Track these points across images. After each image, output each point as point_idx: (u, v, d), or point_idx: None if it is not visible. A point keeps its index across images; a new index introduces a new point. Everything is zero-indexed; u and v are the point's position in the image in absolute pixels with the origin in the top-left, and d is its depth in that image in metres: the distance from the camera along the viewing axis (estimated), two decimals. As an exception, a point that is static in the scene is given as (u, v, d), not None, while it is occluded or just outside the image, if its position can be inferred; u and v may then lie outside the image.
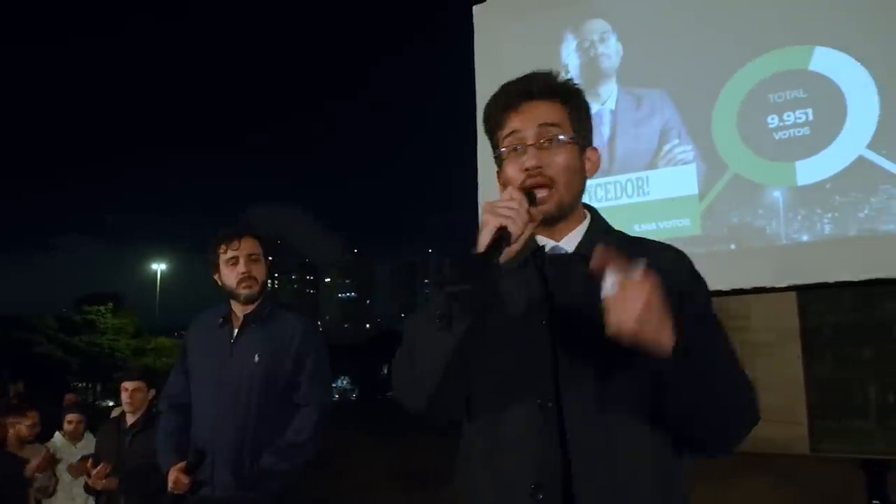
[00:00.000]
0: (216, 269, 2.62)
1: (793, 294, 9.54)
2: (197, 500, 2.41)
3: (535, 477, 1.15)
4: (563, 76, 1.32)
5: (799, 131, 4.30)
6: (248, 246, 2.58)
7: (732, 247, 4.66)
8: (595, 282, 1.10)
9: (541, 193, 1.22)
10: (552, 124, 1.25)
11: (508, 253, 1.14)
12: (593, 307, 1.12)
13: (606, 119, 5.26)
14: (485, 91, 6.53)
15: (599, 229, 1.32)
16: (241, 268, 2.53)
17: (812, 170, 4.27)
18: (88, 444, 4.55)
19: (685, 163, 4.94)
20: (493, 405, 1.22)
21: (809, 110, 4.27)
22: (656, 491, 1.17)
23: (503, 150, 1.28)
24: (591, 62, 5.34)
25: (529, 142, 1.25)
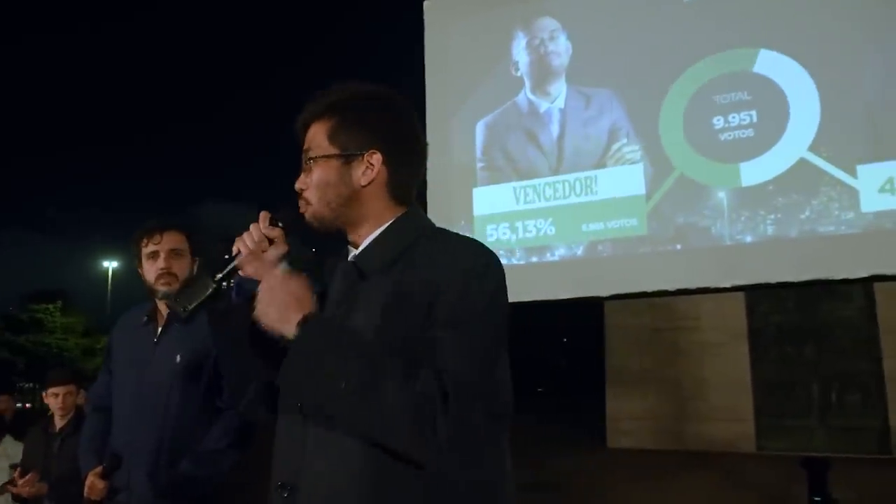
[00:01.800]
0: (139, 263, 2.50)
1: (741, 295, 9.73)
2: (113, 508, 2.29)
3: (283, 476, 1.25)
4: (338, 91, 1.38)
5: (743, 133, 4.34)
6: (170, 240, 2.45)
7: (678, 247, 4.67)
8: (355, 286, 1.28)
9: (305, 210, 1.35)
10: (306, 148, 1.36)
11: (242, 265, 1.33)
12: (348, 311, 1.25)
13: (555, 117, 5.26)
14: (435, 87, 6.50)
15: (385, 237, 1.34)
16: (161, 263, 2.41)
17: (756, 171, 4.31)
18: (7, 448, 4.40)
19: (633, 162, 4.95)
20: (277, 408, 1.35)
21: (753, 112, 4.31)
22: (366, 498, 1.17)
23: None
24: (540, 60, 5.33)
25: (302, 170, 1.37)
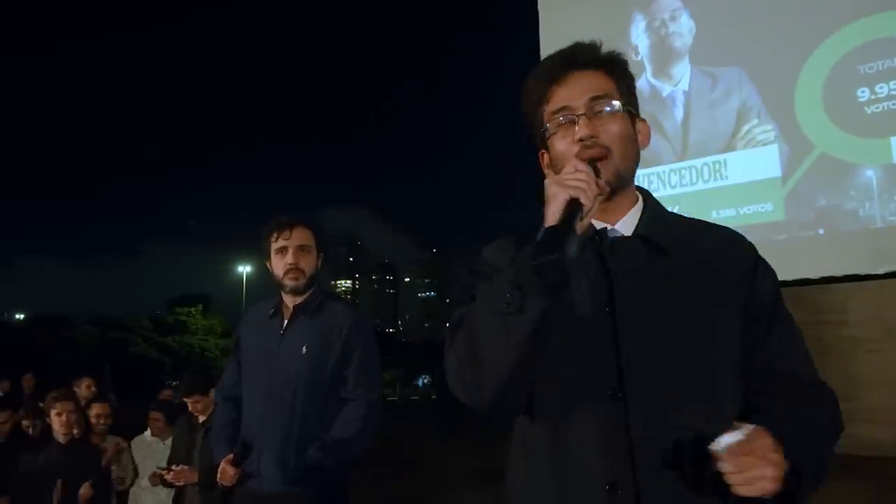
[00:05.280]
0: (268, 257, 2.59)
1: (896, 284, 8.87)
2: (244, 493, 2.38)
3: (609, 475, 1.10)
4: (612, 51, 1.26)
5: (894, 104, 3.95)
6: (299, 236, 2.54)
7: (821, 232, 4.32)
8: (655, 263, 1.15)
9: (599, 164, 1.16)
10: (602, 94, 1.20)
11: (580, 228, 1.05)
12: (656, 292, 1.14)
13: (679, 101, 5.00)
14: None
15: (655, 211, 1.25)
16: (289, 258, 2.50)
17: (910, 145, 3.92)
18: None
19: (766, 143, 4.62)
20: (558, 399, 1.17)
21: (905, 80, 3.92)
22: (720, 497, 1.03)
23: (550, 124, 1.22)
24: (661, 42, 5.08)
25: (580, 112, 1.19)
